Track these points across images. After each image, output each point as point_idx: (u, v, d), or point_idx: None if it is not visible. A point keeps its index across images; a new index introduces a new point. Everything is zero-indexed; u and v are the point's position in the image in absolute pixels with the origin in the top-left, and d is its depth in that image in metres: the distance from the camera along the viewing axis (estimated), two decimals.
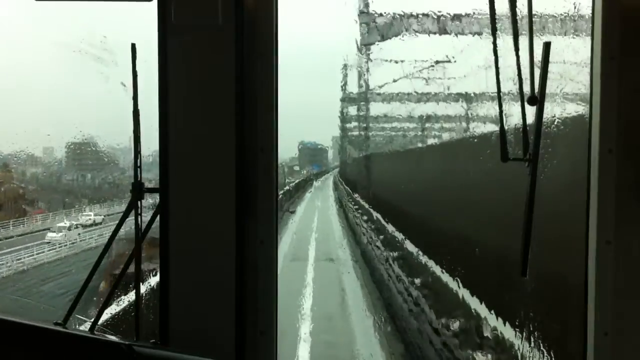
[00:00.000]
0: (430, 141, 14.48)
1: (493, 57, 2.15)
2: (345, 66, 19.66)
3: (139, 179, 2.31)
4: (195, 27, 2.29)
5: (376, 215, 15.84)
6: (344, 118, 22.04)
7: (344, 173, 29.48)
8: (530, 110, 2.19)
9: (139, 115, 2.31)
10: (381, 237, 14.67)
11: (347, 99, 20.76)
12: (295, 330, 10.99)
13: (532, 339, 4.77)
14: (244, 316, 2.35)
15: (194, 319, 2.31)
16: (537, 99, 2.14)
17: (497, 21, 2.14)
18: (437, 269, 8.47)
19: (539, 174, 2.19)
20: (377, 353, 10.58)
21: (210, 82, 2.31)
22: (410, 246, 10.76)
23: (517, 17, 2.11)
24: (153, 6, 2.28)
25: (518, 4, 2.13)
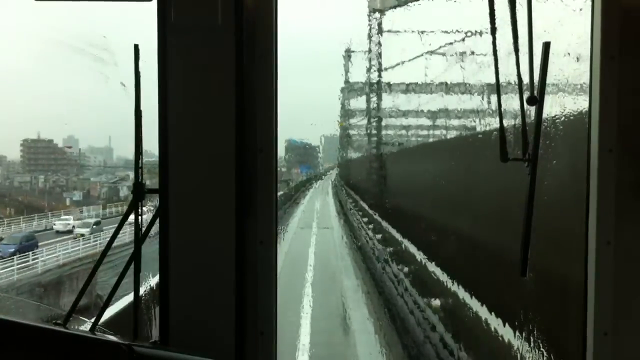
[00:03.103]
0: None
1: (493, 58, 2.15)
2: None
3: (140, 180, 2.31)
4: (195, 27, 2.29)
5: None
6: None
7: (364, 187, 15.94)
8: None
9: (141, 116, 2.31)
10: None
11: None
12: None
13: (532, 339, 4.77)
14: (244, 316, 2.35)
15: (194, 319, 2.31)
16: (537, 99, 2.15)
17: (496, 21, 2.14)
18: None
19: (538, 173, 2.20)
20: None
21: (210, 82, 2.31)
22: None
23: (517, 17, 2.11)
24: (153, 6, 2.28)
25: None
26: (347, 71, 17.19)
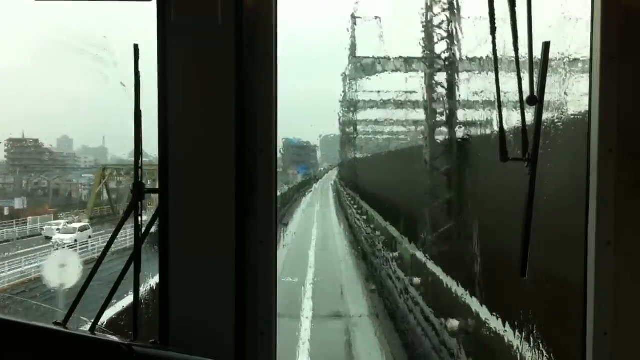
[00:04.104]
0: None
1: (492, 58, 2.15)
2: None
3: (139, 180, 2.31)
4: (195, 27, 2.29)
5: None
6: None
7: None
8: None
9: (141, 116, 2.31)
10: None
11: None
12: None
13: (532, 339, 4.77)
14: (244, 316, 2.35)
15: (194, 319, 2.31)
16: (537, 99, 2.15)
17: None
18: None
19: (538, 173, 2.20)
20: None
21: (210, 82, 2.31)
22: None
23: (516, 17, 2.11)
24: (153, 6, 2.28)
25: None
26: (353, 42, 13.08)
